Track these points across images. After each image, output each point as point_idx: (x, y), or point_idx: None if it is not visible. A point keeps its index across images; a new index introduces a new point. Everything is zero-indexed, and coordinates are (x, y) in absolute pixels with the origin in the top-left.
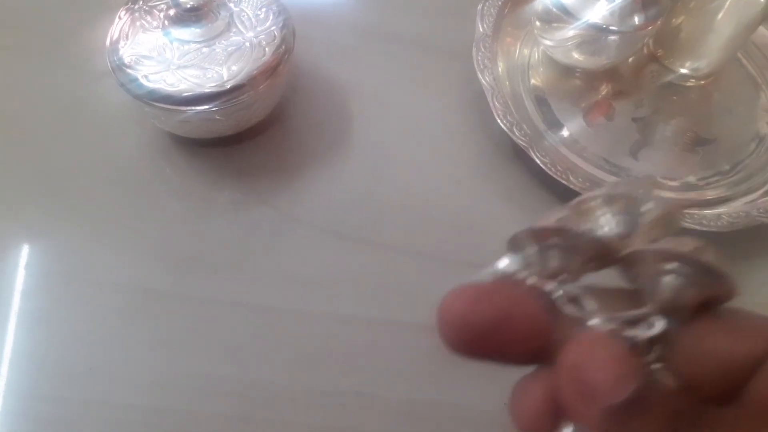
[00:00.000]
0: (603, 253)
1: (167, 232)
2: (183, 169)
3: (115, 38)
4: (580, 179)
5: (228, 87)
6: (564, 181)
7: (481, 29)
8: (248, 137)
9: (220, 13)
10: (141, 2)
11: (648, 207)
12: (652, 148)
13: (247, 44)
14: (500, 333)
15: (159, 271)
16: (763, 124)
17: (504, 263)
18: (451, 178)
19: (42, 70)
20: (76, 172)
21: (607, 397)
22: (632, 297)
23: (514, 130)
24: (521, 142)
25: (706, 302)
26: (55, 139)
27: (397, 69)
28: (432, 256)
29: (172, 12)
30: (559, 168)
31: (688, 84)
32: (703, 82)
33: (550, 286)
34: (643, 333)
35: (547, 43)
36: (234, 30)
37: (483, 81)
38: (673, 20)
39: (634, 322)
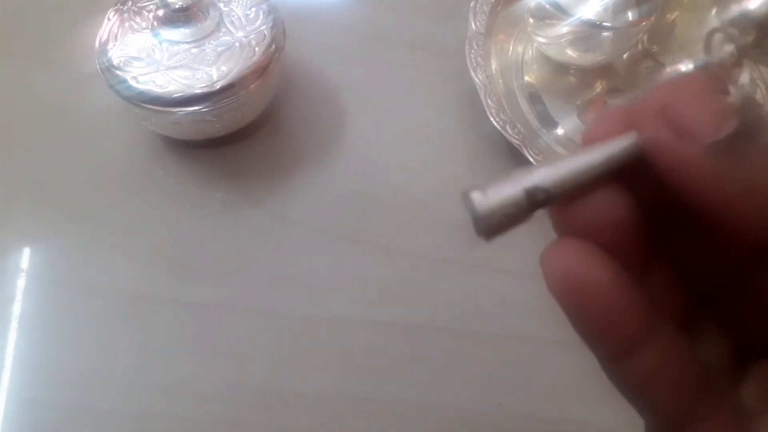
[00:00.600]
0: None
1: (159, 234)
2: (174, 171)
3: (103, 39)
4: None
5: (218, 87)
6: None
7: (473, 27)
8: (240, 138)
9: (209, 14)
10: (130, 3)
11: None
12: None
13: (237, 44)
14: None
15: (151, 275)
16: None
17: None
18: (444, 177)
19: (30, 73)
20: (66, 176)
21: (708, 133)
22: None
23: (508, 128)
24: (515, 141)
25: None
26: (44, 142)
27: (389, 68)
28: (425, 256)
29: (161, 13)
30: None
31: None
32: None
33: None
34: None
35: (541, 40)
36: (224, 30)
37: (476, 79)
38: (668, 16)
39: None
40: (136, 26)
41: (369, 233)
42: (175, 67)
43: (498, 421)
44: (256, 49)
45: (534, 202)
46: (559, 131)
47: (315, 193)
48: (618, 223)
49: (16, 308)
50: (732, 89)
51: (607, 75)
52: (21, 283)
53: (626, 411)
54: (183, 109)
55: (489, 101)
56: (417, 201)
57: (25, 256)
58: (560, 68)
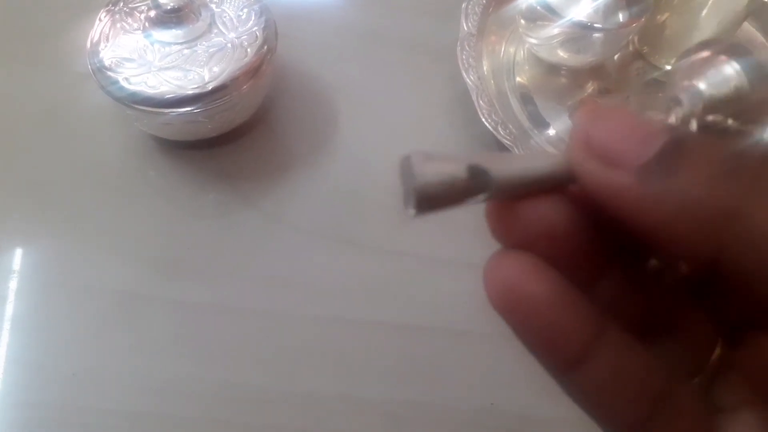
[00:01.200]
0: None
1: (151, 235)
2: (166, 172)
3: (95, 40)
4: None
5: (210, 88)
6: None
7: (465, 28)
8: (232, 139)
9: (201, 14)
10: (121, 4)
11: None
12: None
13: (229, 45)
14: None
15: (143, 275)
16: None
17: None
18: None
19: (21, 73)
20: (57, 177)
21: (632, 158)
22: None
23: (499, 129)
24: (506, 142)
25: None
26: (35, 143)
27: (381, 69)
28: (417, 256)
29: (152, 14)
30: None
31: None
32: None
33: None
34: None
35: (532, 41)
36: (215, 31)
37: (468, 80)
38: (658, 17)
39: None
40: (127, 27)
41: (362, 233)
42: (166, 68)
43: (491, 420)
44: (248, 50)
45: (474, 182)
46: (551, 132)
47: (307, 194)
48: (556, 232)
49: (9, 310)
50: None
51: (598, 76)
52: (13, 284)
53: None
54: (175, 110)
55: (481, 102)
56: None
57: (17, 258)
58: (551, 69)
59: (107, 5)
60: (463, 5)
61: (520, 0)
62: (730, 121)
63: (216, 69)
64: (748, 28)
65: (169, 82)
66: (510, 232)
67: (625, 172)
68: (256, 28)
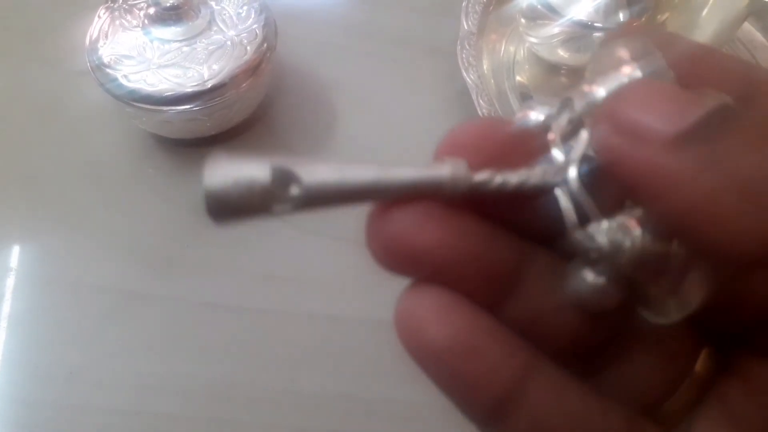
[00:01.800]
0: None
1: (149, 233)
2: (165, 170)
3: (94, 37)
4: None
5: (209, 86)
6: None
7: (465, 27)
8: (231, 137)
9: (200, 12)
10: (120, 1)
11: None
12: None
13: (229, 43)
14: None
15: (140, 273)
16: None
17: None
18: None
19: (20, 70)
20: (55, 174)
21: (667, 125)
22: None
23: None
24: None
25: None
26: (33, 140)
27: (381, 67)
28: None
29: (152, 11)
30: None
31: None
32: None
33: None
34: None
35: (532, 40)
36: (215, 29)
37: (468, 79)
38: (658, 17)
39: None
40: (126, 24)
41: (359, 231)
42: (166, 66)
43: None
44: (248, 47)
45: (279, 187)
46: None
47: None
48: (435, 247)
49: (6, 307)
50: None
51: None
52: (10, 282)
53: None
54: (174, 107)
55: (481, 101)
56: None
57: (15, 255)
58: (551, 68)
59: (106, 2)
60: (464, 3)
61: None
62: None
63: (215, 67)
64: (749, 28)
65: (168, 80)
66: (387, 253)
67: (657, 146)
68: (255, 26)
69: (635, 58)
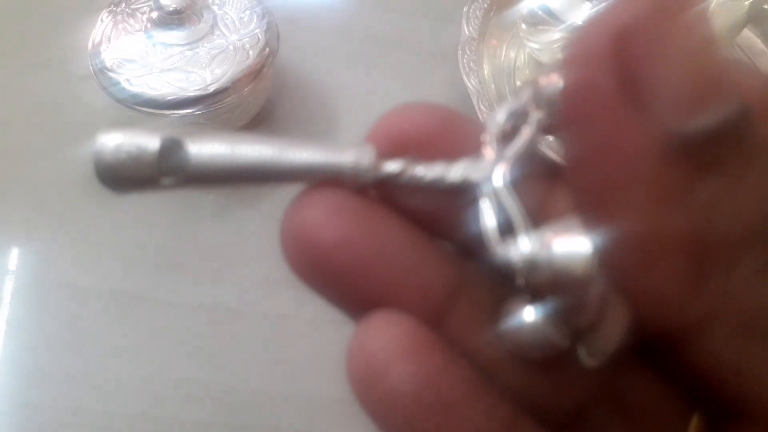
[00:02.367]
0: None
1: (150, 236)
2: None
3: (97, 41)
4: None
5: (211, 90)
6: None
7: (467, 32)
8: None
9: (203, 16)
10: (123, 5)
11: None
12: None
13: (231, 47)
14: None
15: (141, 276)
16: None
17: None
18: None
19: (22, 73)
20: (56, 176)
21: (681, 107)
22: None
23: None
24: None
25: None
26: (35, 143)
27: (382, 71)
28: None
29: (154, 15)
30: None
31: None
32: None
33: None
34: None
35: (533, 45)
36: (217, 33)
37: (469, 84)
38: None
39: None
40: (129, 28)
41: None
42: (168, 70)
43: None
44: (250, 52)
45: (164, 158)
46: (551, 136)
47: None
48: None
49: (5, 310)
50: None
51: None
52: (10, 285)
53: None
54: (176, 111)
55: (482, 106)
56: None
57: (14, 258)
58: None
59: (109, 6)
60: (465, 9)
61: (522, 4)
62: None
63: (218, 71)
64: (749, 35)
65: (170, 84)
66: (293, 253)
67: (653, 128)
68: (257, 30)
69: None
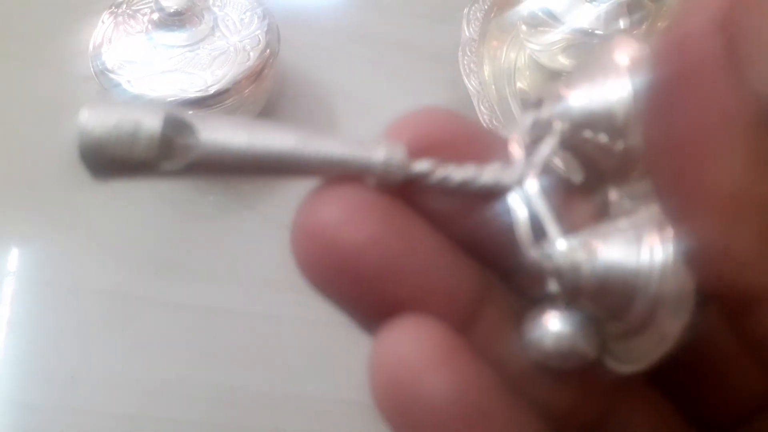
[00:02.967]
0: None
1: (150, 237)
2: None
3: (98, 42)
4: None
5: (212, 92)
6: None
7: (467, 33)
8: None
9: (204, 18)
10: (124, 6)
11: None
12: None
13: (232, 49)
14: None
15: (142, 277)
16: None
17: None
18: None
19: (23, 74)
20: (57, 177)
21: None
22: None
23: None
24: None
25: None
26: (35, 143)
27: (383, 73)
28: None
29: (155, 16)
30: None
31: None
32: None
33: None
34: None
35: (534, 47)
36: (218, 34)
37: (469, 85)
38: (659, 24)
39: None
40: (130, 30)
41: None
42: (169, 71)
43: None
44: (251, 53)
45: (171, 144)
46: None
47: None
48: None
49: (5, 311)
50: None
51: None
52: (10, 285)
53: None
54: None
55: (482, 107)
56: None
57: (14, 258)
58: (552, 75)
59: (110, 7)
60: (465, 10)
61: (522, 6)
62: (601, 137)
63: (218, 72)
64: None
65: (171, 85)
66: (308, 256)
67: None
68: (258, 31)
69: (629, 66)
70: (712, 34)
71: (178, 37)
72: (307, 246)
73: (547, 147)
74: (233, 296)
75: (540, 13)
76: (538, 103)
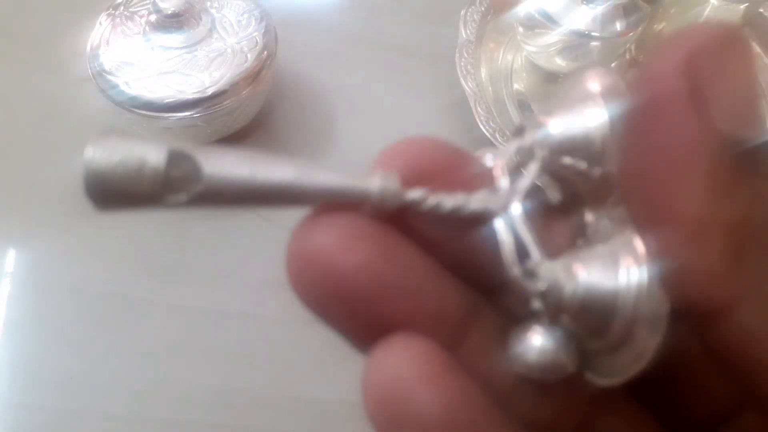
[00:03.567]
0: None
1: (148, 238)
2: None
3: (95, 44)
4: None
5: (210, 93)
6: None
7: (464, 35)
8: (231, 144)
9: (201, 19)
10: (122, 8)
11: None
12: None
13: (229, 50)
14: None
15: (139, 278)
16: None
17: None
18: None
19: (21, 75)
20: (54, 179)
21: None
22: None
23: (497, 136)
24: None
25: None
26: (33, 145)
27: (380, 74)
28: None
29: (153, 18)
30: None
31: None
32: None
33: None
34: None
35: (530, 48)
36: (216, 36)
37: (466, 87)
38: (655, 26)
39: None
40: (128, 31)
41: None
42: (166, 73)
43: None
44: (248, 55)
45: (175, 178)
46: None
47: None
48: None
49: (2, 312)
50: None
51: None
52: (6, 286)
53: None
54: (174, 114)
55: (479, 109)
56: None
57: (11, 259)
58: (549, 77)
59: (108, 9)
60: (462, 12)
61: (519, 8)
62: (579, 164)
63: (216, 74)
64: None
65: (168, 87)
66: (302, 279)
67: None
68: (256, 33)
69: (604, 96)
70: (678, 77)
71: (176, 38)
72: (304, 270)
73: (530, 175)
74: (230, 298)
75: (537, 15)
76: (520, 131)
